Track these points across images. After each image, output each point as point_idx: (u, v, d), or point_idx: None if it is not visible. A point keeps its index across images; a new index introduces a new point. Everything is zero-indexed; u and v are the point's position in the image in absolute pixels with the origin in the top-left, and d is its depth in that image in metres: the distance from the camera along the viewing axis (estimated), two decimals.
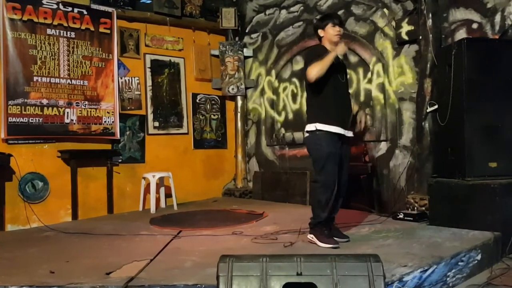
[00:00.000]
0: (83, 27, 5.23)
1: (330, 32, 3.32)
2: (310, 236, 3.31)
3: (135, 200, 5.47)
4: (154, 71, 5.95)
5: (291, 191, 5.64)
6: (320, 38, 3.41)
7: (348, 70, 5.16)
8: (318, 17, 3.61)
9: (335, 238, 3.23)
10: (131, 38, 5.75)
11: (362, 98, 5.13)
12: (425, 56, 4.29)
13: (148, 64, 5.90)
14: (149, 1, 5.91)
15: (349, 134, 3.34)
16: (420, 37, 4.36)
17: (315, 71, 3.15)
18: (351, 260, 2.06)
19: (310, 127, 3.29)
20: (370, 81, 5.04)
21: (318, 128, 3.22)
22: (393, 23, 4.75)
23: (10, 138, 4.74)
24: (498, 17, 3.94)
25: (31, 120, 4.82)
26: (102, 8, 5.40)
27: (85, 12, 5.24)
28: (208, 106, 6.51)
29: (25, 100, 4.79)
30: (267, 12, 6.32)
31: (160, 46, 6.02)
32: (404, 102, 4.71)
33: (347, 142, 3.36)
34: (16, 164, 4.65)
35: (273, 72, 6.22)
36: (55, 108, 4.98)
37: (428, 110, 4.24)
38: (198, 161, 6.32)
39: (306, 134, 3.36)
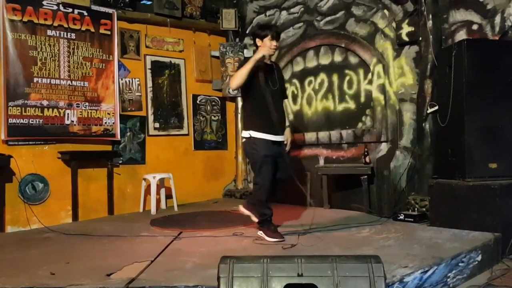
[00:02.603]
0: (83, 28, 5.23)
1: (267, 44, 3.46)
2: (260, 233, 3.56)
3: (135, 201, 5.47)
4: (155, 72, 5.95)
5: (291, 192, 5.62)
6: (257, 46, 3.54)
7: (348, 71, 5.28)
8: (258, 23, 3.81)
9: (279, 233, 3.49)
10: (132, 39, 5.75)
11: (362, 99, 5.13)
12: (426, 57, 4.30)
13: (148, 65, 5.90)
14: (149, 2, 5.91)
15: (280, 138, 3.54)
16: (420, 38, 4.37)
17: (234, 80, 3.36)
18: (352, 261, 2.06)
19: (245, 134, 3.56)
20: (370, 82, 5.04)
21: (252, 135, 3.46)
22: (394, 24, 4.75)
23: (10, 139, 4.73)
24: (498, 18, 3.94)
25: (32, 121, 4.82)
26: (102, 9, 5.40)
27: (85, 13, 5.24)
28: (208, 107, 6.51)
29: (25, 101, 4.78)
30: (268, 13, 6.31)
31: (160, 47, 6.02)
32: (404, 103, 4.71)
33: (280, 144, 3.58)
34: (16, 165, 4.65)
35: None
36: (55, 109, 4.98)
37: (428, 111, 4.25)
38: (199, 162, 6.32)
39: (243, 139, 3.63)
